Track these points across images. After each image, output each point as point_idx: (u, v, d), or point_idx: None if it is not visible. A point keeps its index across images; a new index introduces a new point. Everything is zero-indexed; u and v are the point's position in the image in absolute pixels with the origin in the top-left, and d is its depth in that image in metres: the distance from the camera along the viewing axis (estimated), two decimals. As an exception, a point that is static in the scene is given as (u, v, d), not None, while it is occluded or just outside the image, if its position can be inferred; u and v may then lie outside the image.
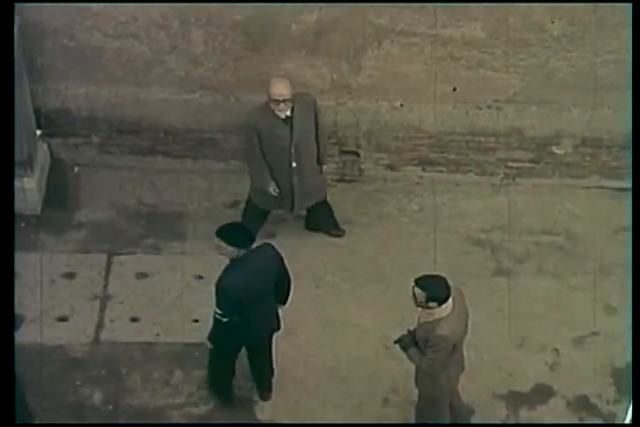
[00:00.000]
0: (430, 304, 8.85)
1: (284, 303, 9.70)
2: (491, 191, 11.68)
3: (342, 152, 11.70)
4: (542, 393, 10.38)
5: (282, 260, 9.41)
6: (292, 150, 10.63)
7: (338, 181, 11.76)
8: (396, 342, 9.34)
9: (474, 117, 11.41)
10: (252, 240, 9.17)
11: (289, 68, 11.12)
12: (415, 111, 11.40)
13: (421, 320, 9.03)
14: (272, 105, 10.42)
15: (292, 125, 10.56)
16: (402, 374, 9.91)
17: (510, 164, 11.71)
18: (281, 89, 10.33)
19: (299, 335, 10.57)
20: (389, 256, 11.09)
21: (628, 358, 10.02)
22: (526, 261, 11.23)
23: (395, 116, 11.46)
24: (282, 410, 10.21)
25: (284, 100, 10.32)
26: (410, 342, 9.19)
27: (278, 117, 10.50)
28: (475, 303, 9.55)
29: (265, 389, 10.22)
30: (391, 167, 11.75)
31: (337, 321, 10.62)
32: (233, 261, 9.07)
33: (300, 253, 11.01)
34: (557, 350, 10.59)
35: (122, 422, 9.95)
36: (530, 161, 11.69)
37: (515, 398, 10.34)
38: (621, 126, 11.25)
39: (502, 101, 11.36)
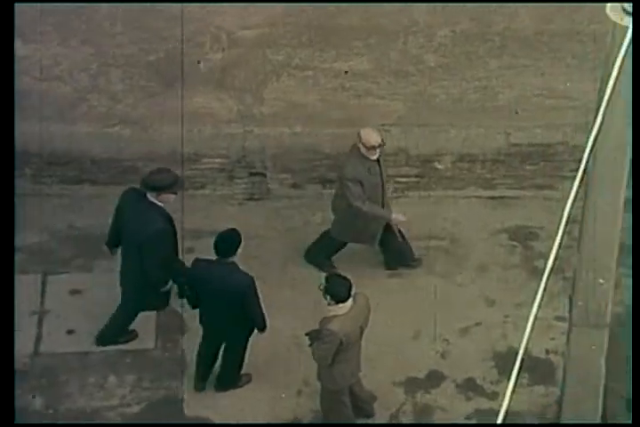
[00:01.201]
0: (328, 298, 8.96)
1: None
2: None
3: (251, 174, 11.66)
4: (435, 378, 10.45)
5: None
6: (384, 186, 10.73)
7: (247, 199, 11.72)
8: (306, 335, 9.38)
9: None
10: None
11: (199, 101, 11.09)
12: (313, 136, 11.41)
13: (324, 315, 9.15)
14: (368, 152, 10.43)
15: (379, 164, 10.59)
16: (312, 368, 9.80)
17: (399, 179, 11.68)
18: (376, 137, 10.44)
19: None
20: (298, 265, 11.06)
21: (508, 343, 10.42)
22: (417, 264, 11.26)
23: (296, 140, 11.46)
24: (205, 405, 10.16)
25: (379, 145, 10.35)
26: (314, 335, 9.24)
27: (372, 160, 10.50)
28: (374, 302, 9.59)
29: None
30: (295, 186, 11.75)
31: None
32: None
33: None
34: (447, 340, 10.62)
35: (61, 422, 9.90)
36: (415, 176, 11.71)
37: (411, 384, 10.41)
38: (492, 143, 11.47)
39: (389, 125, 11.36)
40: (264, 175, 11.69)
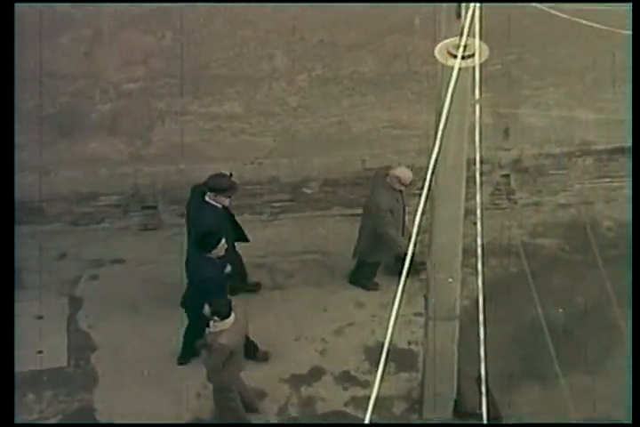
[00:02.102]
0: (214, 318, 9.12)
1: None
2: (262, 226, 11.71)
3: (143, 207, 11.63)
4: (316, 373, 10.52)
5: None
6: (405, 213, 10.74)
7: (142, 230, 11.70)
8: (197, 347, 9.57)
9: (242, 172, 11.46)
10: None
11: (94, 146, 11.10)
12: (196, 171, 11.30)
13: (211, 330, 9.26)
14: (398, 185, 10.47)
15: (402, 195, 10.68)
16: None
17: (274, 204, 11.79)
18: (410, 175, 10.45)
19: (126, 351, 10.55)
20: None
21: (376, 338, 10.49)
22: (295, 276, 11.32)
23: (181, 176, 11.46)
24: (115, 413, 10.15)
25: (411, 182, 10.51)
26: (203, 345, 9.41)
27: (398, 191, 10.55)
28: (259, 312, 9.79)
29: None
30: (183, 215, 11.39)
31: (155, 337, 10.56)
32: None
33: (123, 288, 11.02)
34: (324, 339, 10.72)
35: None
36: (288, 200, 11.81)
37: (295, 380, 10.47)
38: (350, 169, 11.59)
39: (261, 157, 11.49)
40: (155, 208, 11.67)
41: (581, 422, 9.30)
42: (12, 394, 8.16)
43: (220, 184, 10.03)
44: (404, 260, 10.74)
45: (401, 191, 10.64)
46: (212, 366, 9.40)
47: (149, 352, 10.52)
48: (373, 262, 11.09)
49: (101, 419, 10.16)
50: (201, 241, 9.75)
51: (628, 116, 11.11)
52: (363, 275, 11.21)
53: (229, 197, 10.11)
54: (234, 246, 10.46)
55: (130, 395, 10.26)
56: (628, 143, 11.46)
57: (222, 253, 9.80)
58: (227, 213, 10.28)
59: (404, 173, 10.52)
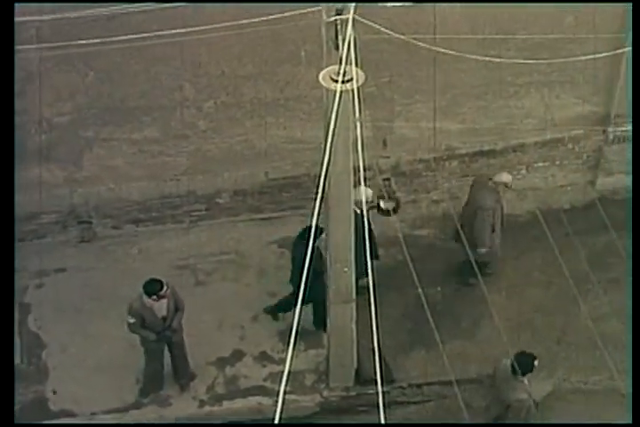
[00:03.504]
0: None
1: None
2: (183, 233, 11.64)
3: (80, 222, 11.46)
4: (237, 355, 10.51)
5: None
6: (503, 211, 10.60)
7: (80, 242, 11.51)
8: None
9: (164, 188, 11.40)
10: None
11: (34, 172, 10.80)
12: (124, 189, 11.34)
13: None
14: (504, 189, 10.44)
15: (500, 196, 10.55)
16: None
17: (192, 213, 11.68)
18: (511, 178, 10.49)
19: (72, 347, 10.44)
20: (125, 286, 10.54)
21: (286, 323, 10.26)
22: (214, 274, 11.24)
23: (111, 194, 11.35)
24: (65, 399, 10.07)
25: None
26: None
27: (499, 193, 10.49)
28: (186, 307, 9.70)
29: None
30: (115, 227, 11.64)
31: (97, 334, 10.46)
32: None
33: (66, 293, 10.85)
34: (243, 326, 10.66)
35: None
36: (205, 210, 11.72)
37: (221, 362, 10.46)
38: (256, 180, 11.52)
39: (179, 175, 11.39)
40: (90, 222, 11.51)
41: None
42: (12, 394, 7.90)
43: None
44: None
45: (498, 193, 10.52)
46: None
47: (92, 347, 10.41)
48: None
49: (54, 407, 10.04)
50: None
51: (486, 124, 11.39)
52: (465, 270, 10.51)
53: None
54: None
55: (77, 385, 10.15)
56: (486, 147, 11.76)
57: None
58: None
59: (509, 178, 10.54)
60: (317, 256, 9.61)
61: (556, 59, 10.31)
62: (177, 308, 9.73)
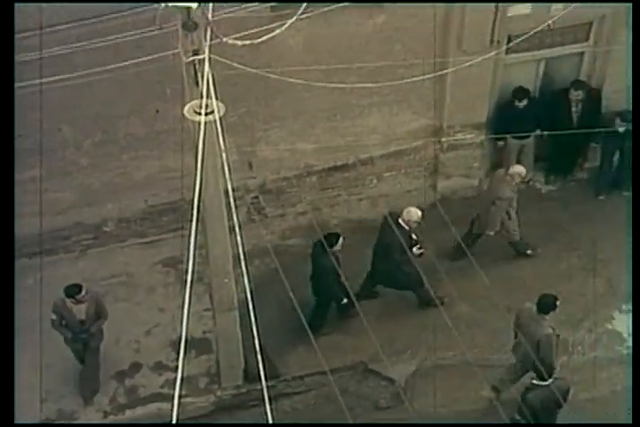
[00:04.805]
0: None
1: None
2: (74, 261, 11.37)
3: None
4: (135, 367, 10.32)
5: None
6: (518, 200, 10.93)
7: None
8: None
9: (54, 221, 10.97)
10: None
11: None
12: (17, 225, 10.45)
13: None
14: (520, 179, 10.65)
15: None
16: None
17: (82, 242, 11.48)
18: (524, 171, 10.69)
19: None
20: (25, 315, 10.02)
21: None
22: (107, 296, 10.75)
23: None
24: None
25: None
26: None
27: (516, 185, 10.71)
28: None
29: None
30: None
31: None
32: None
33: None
34: (138, 340, 10.51)
35: None
36: (92, 238, 11.53)
37: (120, 374, 10.24)
38: (137, 207, 11.36)
39: (67, 208, 11.09)
40: None
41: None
42: (12, 394, 7.54)
43: None
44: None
45: (514, 184, 10.70)
46: None
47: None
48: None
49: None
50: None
51: (337, 142, 11.55)
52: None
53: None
54: None
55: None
56: (339, 162, 11.94)
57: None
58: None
59: (522, 170, 10.69)
60: (336, 260, 9.87)
61: (391, 82, 10.54)
62: (99, 315, 9.66)
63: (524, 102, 11.51)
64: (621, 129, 11.44)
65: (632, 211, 9.70)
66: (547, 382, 8.72)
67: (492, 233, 10.98)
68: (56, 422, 9.83)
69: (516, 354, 9.67)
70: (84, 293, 9.46)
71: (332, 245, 9.95)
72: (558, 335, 9.42)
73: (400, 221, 10.21)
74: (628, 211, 10.44)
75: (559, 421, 9.14)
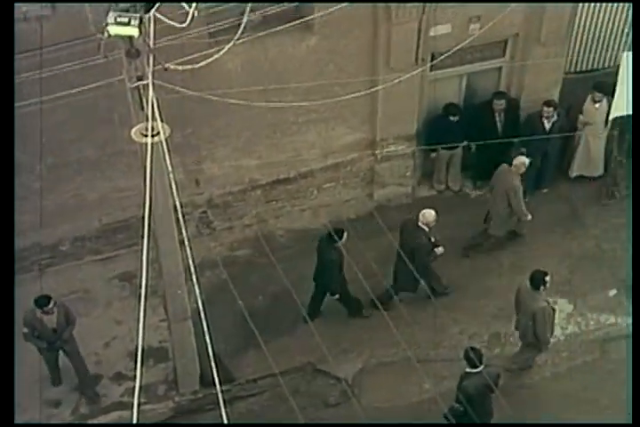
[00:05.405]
0: None
1: None
2: (33, 280, 10.81)
3: None
4: (96, 378, 10.26)
5: None
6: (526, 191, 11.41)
7: None
8: None
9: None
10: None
11: None
12: None
13: None
14: (522, 167, 10.98)
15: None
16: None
17: (40, 262, 11.29)
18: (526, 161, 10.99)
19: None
20: None
21: (133, 345, 9.92)
22: None
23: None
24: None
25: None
26: None
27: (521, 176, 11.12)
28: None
29: None
30: None
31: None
32: None
33: None
34: (97, 353, 10.45)
35: None
36: (50, 258, 11.37)
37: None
38: (91, 226, 11.29)
39: (25, 230, 10.79)
40: None
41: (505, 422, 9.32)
42: (12, 394, 7.41)
43: None
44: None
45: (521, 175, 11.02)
46: None
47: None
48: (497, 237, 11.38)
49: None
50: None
51: (278, 157, 11.65)
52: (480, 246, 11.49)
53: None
54: None
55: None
56: (281, 176, 12.03)
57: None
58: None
59: (525, 160, 10.98)
60: (339, 255, 9.95)
61: (326, 99, 10.68)
62: (68, 322, 9.66)
63: (457, 117, 11.78)
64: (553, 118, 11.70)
65: (632, 210, 10.00)
66: (478, 370, 8.94)
67: (529, 217, 11.22)
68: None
69: (519, 329, 10.08)
70: (52, 304, 9.47)
71: (337, 240, 10.07)
72: (554, 309, 9.82)
73: (419, 224, 10.44)
74: (628, 213, 10.65)
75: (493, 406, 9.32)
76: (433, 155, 12.21)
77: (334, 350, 10.22)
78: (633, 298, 9.70)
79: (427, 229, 10.45)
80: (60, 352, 9.96)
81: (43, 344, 9.68)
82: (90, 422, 9.94)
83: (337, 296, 10.53)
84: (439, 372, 9.40)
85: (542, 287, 9.68)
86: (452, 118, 11.79)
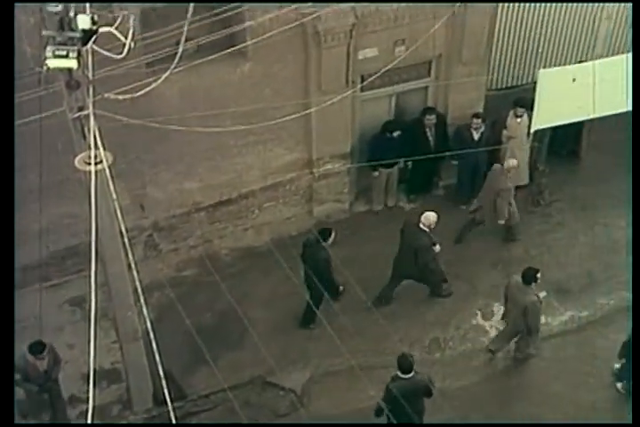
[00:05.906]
0: None
1: None
2: None
3: None
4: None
5: None
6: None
7: None
8: None
9: None
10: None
11: None
12: None
13: None
14: (513, 169, 11.35)
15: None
16: None
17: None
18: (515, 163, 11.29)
19: None
20: None
21: (87, 368, 9.37)
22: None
23: None
24: None
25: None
26: None
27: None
28: None
29: None
30: None
31: None
32: None
33: None
34: None
35: None
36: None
37: None
38: (42, 253, 10.88)
39: None
40: None
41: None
42: (12, 394, 7.27)
43: None
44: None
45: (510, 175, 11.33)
46: None
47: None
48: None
49: None
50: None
51: (219, 180, 11.61)
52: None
53: None
54: None
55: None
56: (224, 197, 12.01)
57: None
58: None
59: (515, 162, 11.29)
60: (328, 254, 10.04)
61: (263, 122, 10.74)
62: (55, 362, 9.53)
63: (399, 132, 11.87)
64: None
65: (632, 211, 10.17)
66: (406, 376, 9.03)
67: (502, 222, 11.57)
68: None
69: (507, 320, 10.45)
70: (46, 351, 9.35)
71: (325, 239, 10.17)
72: (541, 302, 10.15)
73: (421, 225, 10.68)
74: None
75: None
76: (375, 173, 12.25)
77: (282, 362, 10.23)
78: (633, 297, 9.82)
79: (428, 230, 10.68)
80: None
81: (34, 388, 9.50)
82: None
83: (338, 297, 10.59)
84: (383, 378, 9.45)
85: (534, 283, 10.06)
86: (393, 135, 11.83)
